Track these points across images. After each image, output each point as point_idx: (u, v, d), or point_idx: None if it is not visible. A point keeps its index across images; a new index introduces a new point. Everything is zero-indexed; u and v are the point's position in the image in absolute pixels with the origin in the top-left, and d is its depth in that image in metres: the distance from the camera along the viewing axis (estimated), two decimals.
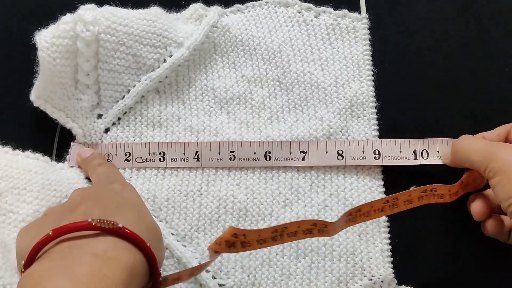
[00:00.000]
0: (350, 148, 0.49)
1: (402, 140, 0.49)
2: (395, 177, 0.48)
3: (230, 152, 0.48)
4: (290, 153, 0.48)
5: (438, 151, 0.48)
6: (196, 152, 0.49)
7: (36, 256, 0.34)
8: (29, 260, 0.33)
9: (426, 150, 0.48)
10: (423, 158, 0.48)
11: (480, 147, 0.43)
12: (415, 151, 0.48)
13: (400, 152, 0.48)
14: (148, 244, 0.34)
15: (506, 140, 0.45)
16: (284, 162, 0.48)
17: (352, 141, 0.49)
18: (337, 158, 0.48)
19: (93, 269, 0.31)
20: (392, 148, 0.48)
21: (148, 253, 0.34)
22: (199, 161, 0.48)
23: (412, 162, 0.48)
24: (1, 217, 0.43)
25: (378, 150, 0.48)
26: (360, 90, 0.51)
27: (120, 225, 0.34)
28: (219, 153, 0.48)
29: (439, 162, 0.48)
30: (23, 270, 0.33)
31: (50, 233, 0.33)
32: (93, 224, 0.33)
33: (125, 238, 0.34)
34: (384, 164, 0.48)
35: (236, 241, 0.39)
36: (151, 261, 0.35)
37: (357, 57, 0.52)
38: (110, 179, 0.43)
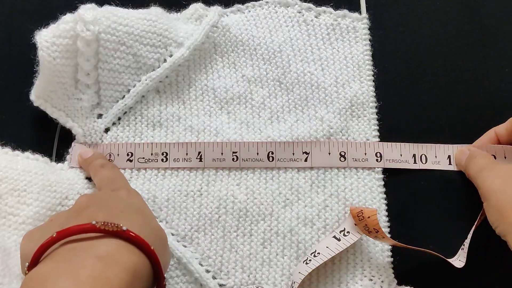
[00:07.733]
0: (352, 150, 0.49)
1: (402, 144, 0.49)
2: (396, 178, 0.48)
3: (233, 152, 0.48)
4: (293, 154, 0.48)
5: (436, 156, 0.49)
6: (199, 152, 0.48)
7: (40, 258, 0.34)
8: (33, 262, 0.33)
9: (425, 155, 0.49)
10: (422, 162, 0.49)
11: (475, 168, 0.45)
12: (414, 155, 0.49)
13: (401, 155, 0.49)
14: (152, 248, 0.34)
15: None
16: (287, 163, 0.48)
17: (354, 143, 0.49)
18: (340, 160, 0.48)
19: (96, 271, 0.31)
20: (393, 151, 0.49)
21: (152, 256, 0.34)
22: (201, 161, 0.48)
23: (412, 166, 0.49)
24: (1, 219, 0.43)
25: (379, 153, 0.49)
26: (360, 90, 0.51)
27: (124, 228, 0.34)
28: (221, 153, 0.48)
29: (437, 167, 0.49)
30: (27, 272, 0.33)
31: (54, 235, 0.33)
32: (97, 226, 0.33)
33: (129, 240, 0.34)
34: (385, 166, 0.49)
35: (373, 232, 0.43)
36: (155, 265, 0.35)
37: (357, 57, 0.52)
38: (115, 184, 0.43)
